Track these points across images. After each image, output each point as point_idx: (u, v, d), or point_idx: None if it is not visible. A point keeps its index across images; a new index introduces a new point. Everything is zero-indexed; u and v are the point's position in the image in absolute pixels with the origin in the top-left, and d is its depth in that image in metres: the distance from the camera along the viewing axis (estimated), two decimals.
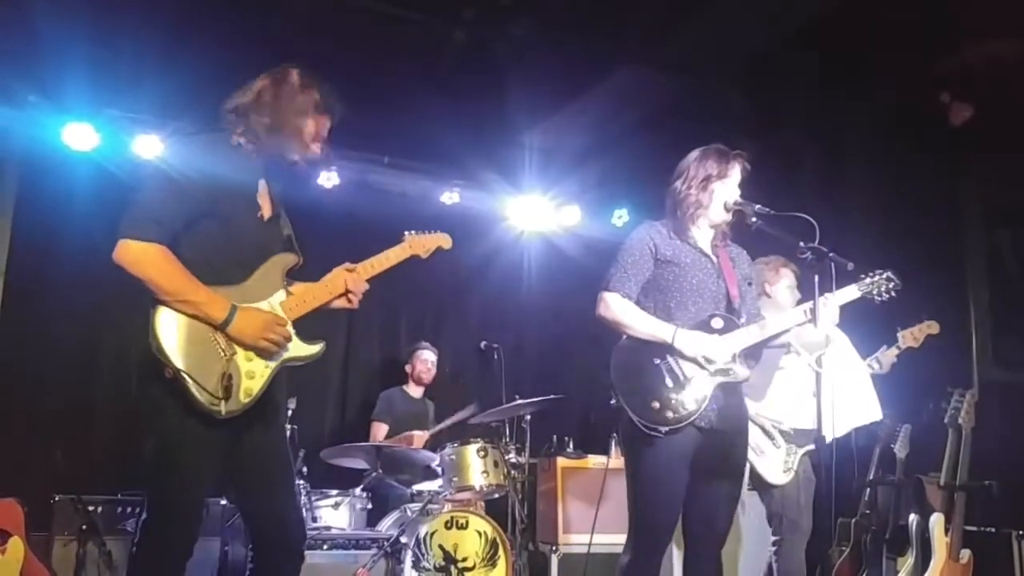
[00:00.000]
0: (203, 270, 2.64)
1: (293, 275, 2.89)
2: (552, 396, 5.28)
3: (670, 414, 3.13)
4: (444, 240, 3.28)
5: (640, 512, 3.27)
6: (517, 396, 5.52)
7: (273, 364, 2.70)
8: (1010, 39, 5.25)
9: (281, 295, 2.78)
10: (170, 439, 2.63)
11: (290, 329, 2.74)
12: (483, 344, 6.38)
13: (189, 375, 2.54)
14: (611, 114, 6.46)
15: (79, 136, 5.51)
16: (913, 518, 4.80)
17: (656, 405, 3.14)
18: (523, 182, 6.93)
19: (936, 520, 4.70)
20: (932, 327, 4.61)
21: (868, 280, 3.48)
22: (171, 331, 2.58)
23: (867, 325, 4.52)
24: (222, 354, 2.61)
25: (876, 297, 3.48)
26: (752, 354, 3.33)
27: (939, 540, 4.67)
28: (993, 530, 5.02)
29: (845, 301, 3.46)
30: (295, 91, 2.80)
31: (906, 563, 4.77)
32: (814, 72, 5.74)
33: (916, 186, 6.08)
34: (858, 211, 6.21)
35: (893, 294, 3.52)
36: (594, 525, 3.30)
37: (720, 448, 3.27)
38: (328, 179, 6.32)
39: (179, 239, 2.65)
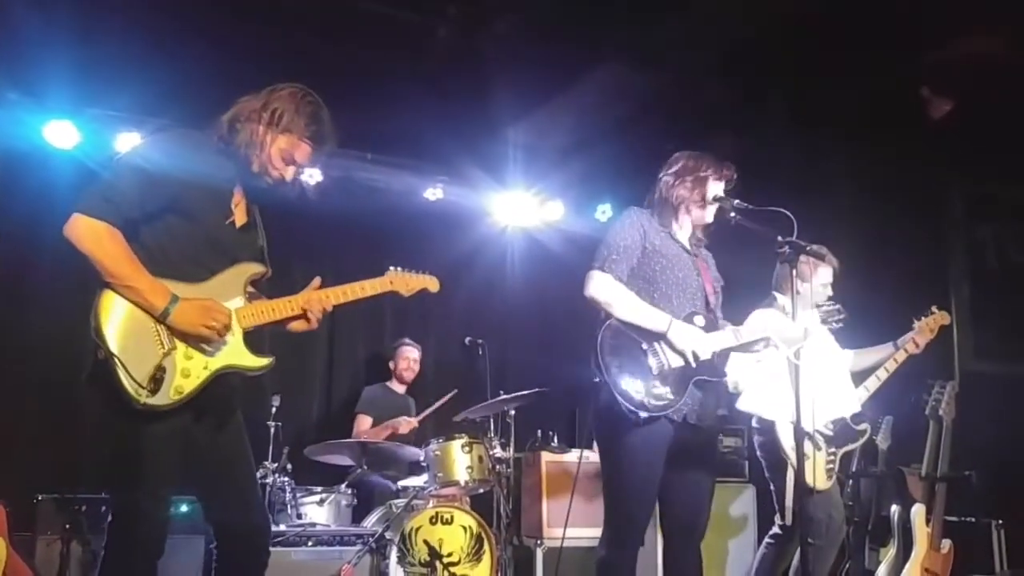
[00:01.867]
0: (159, 262, 2.65)
1: (262, 289, 2.89)
2: (535, 390, 5.29)
3: (651, 401, 3.15)
4: (431, 283, 3.20)
5: (614, 503, 3.30)
6: (501, 391, 5.53)
7: (212, 368, 2.68)
8: (989, 33, 5.29)
9: (239, 302, 2.78)
10: (126, 440, 2.62)
11: (234, 326, 2.73)
12: (468, 340, 6.39)
13: (120, 359, 2.53)
14: (594, 110, 6.46)
15: (60, 134, 5.49)
16: (895, 509, 4.85)
17: (641, 390, 3.16)
18: (507, 178, 6.94)
19: (917, 511, 4.74)
20: (944, 318, 4.63)
21: (823, 310, 3.61)
22: (113, 315, 2.58)
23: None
24: (160, 348, 2.61)
25: (825, 323, 3.60)
26: (724, 356, 3.36)
27: (920, 530, 4.72)
28: (973, 520, 5.08)
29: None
30: (274, 103, 2.78)
31: (888, 554, 4.82)
32: (794, 66, 5.76)
33: (897, 179, 6.12)
34: (839, 205, 6.24)
35: (840, 324, 3.64)
36: (567, 519, 3.31)
37: (696, 443, 3.30)
38: (311, 176, 6.28)
39: (139, 227, 2.66)
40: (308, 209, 6.19)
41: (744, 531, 5.67)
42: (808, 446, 4.03)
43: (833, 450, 4.17)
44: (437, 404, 5.93)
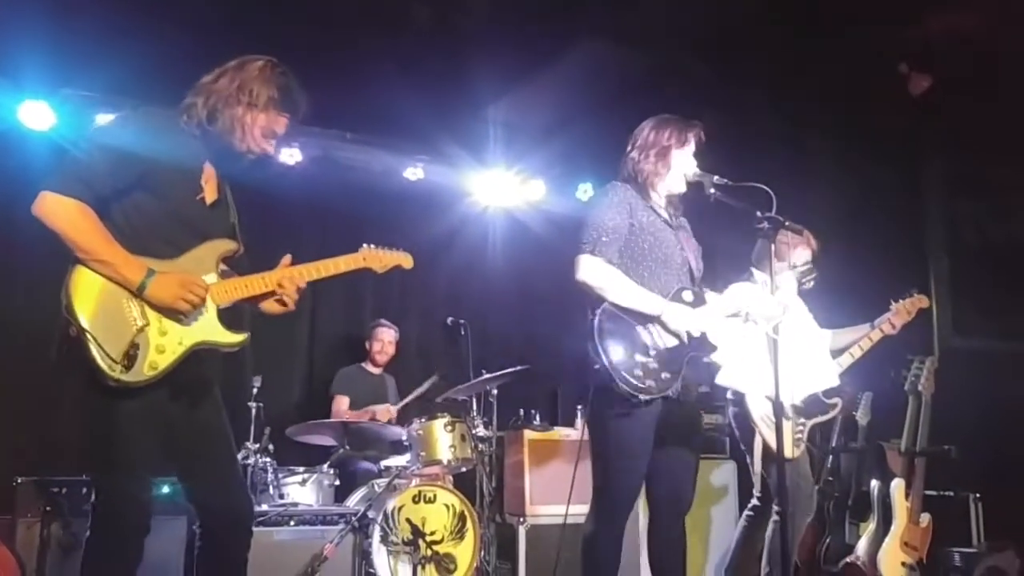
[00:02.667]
0: (131, 240, 2.64)
1: (235, 267, 2.87)
2: (517, 368, 5.29)
3: (651, 383, 3.14)
4: (404, 259, 3.19)
5: (606, 481, 3.30)
6: (483, 370, 5.53)
7: (187, 344, 2.68)
8: (968, 9, 5.30)
9: (212, 279, 2.77)
10: (103, 421, 2.61)
11: (210, 304, 2.73)
12: (449, 320, 6.39)
13: (93, 336, 2.52)
14: (574, 88, 6.44)
15: (36, 115, 5.42)
16: (875, 484, 4.89)
17: (639, 373, 3.14)
18: (487, 157, 6.91)
19: (897, 485, 4.78)
20: (923, 301, 4.65)
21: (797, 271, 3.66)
22: (85, 291, 2.57)
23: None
24: (134, 324, 2.59)
25: (801, 285, 3.58)
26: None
27: (900, 505, 4.75)
28: (952, 494, 5.13)
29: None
30: (250, 84, 2.76)
31: (868, 528, 4.86)
32: (774, 42, 5.76)
33: (878, 155, 6.14)
34: (820, 181, 6.26)
35: (812, 284, 3.71)
36: (570, 496, 3.33)
37: (683, 418, 3.31)
38: (291, 156, 6.26)
39: (109, 205, 2.64)
40: (287, 190, 6.20)
41: (725, 505, 5.71)
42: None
43: (802, 421, 4.18)
44: (417, 391, 5.92)
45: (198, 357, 2.72)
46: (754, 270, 4.32)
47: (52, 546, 4.40)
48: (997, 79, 5.54)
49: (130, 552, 2.64)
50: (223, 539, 2.88)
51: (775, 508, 4.15)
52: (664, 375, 3.17)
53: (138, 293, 2.59)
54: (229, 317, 2.81)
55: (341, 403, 6.07)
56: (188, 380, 2.74)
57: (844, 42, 5.64)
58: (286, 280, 2.87)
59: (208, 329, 2.73)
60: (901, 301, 4.58)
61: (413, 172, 6.71)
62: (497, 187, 7.03)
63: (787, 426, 4.07)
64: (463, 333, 6.26)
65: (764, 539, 4.27)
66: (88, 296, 2.56)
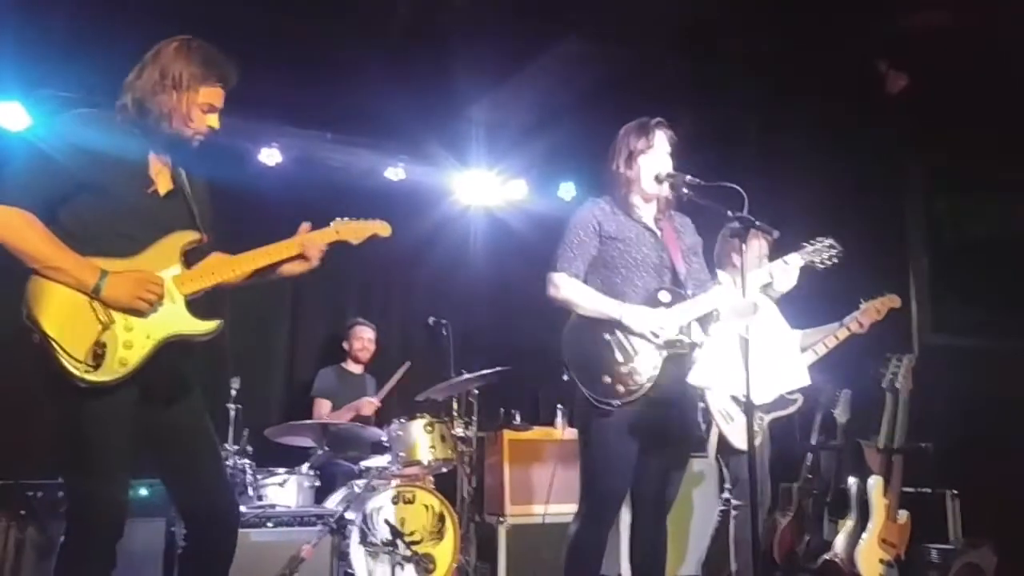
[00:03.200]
0: (85, 242, 2.62)
1: (204, 255, 2.86)
2: (498, 369, 5.29)
3: (622, 388, 3.19)
4: (381, 227, 3.19)
5: (591, 482, 3.34)
6: (464, 371, 5.53)
7: (156, 338, 2.66)
8: (945, 6, 5.31)
9: (176, 270, 2.75)
10: (71, 422, 2.60)
11: (174, 293, 2.71)
12: (431, 320, 6.37)
13: (56, 341, 2.51)
14: (556, 87, 6.45)
15: (10, 116, 5.38)
16: (852, 481, 4.90)
17: (608, 380, 3.21)
18: (469, 157, 6.91)
19: (874, 483, 4.80)
20: (894, 301, 4.65)
21: (810, 248, 3.54)
22: (44, 298, 2.55)
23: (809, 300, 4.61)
24: (97, 323, 2.58)
25: (818, 265, 3.53)
26: (704, 323, 3.37)
27: (877, 502, 4.77)
28: (929, 491, 5.15)
29: (788, 274, 3.50)
30: (169, 68, 2.74)
31: (846, 525, 4.86)
32: (753, 39, 5.77)
33: (856, 153, 6.15)
34: (798, 179, 6.27)
35: (836, 260, 3.57)
36: (549, 495, 3.36)
37: (666, 418, 3.32)
38: (270, 156, 6.24)
39: (56, 211, 2.62)
40: (267, 191, 6.18)
41: (707, 504, 5.71)
42: (736, 409, 4.08)
43: (760, 416, 4.18)
44: (393, 380, 5.91)
45: (173, 355, 2.70)
46: (718, 270, 4.30)
47: (28, 550, 4.37)
48: (976, 76, 5.55)
49: (104, 556, 2.63)
50: (207, 542, 2.87)
51: (733, 501, 4.18)
52: (636, 378, 3.21)
53: (93, 295, 2.58)
54: (203, 305, 2.80)
55: (322, 406, 6.05)
56: (163, 380, 2.72)
57: (822, 40, 5.65)
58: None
59: (176, 320, 2.71)
60: (871, 300, 4.59)
61: (394, 172, 6.69)
62: (479, 187, 7.03)
63: (745, 420, 4.07)
64: (445, 333, 6.24)
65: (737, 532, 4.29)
66: (48, 302, 2.55)
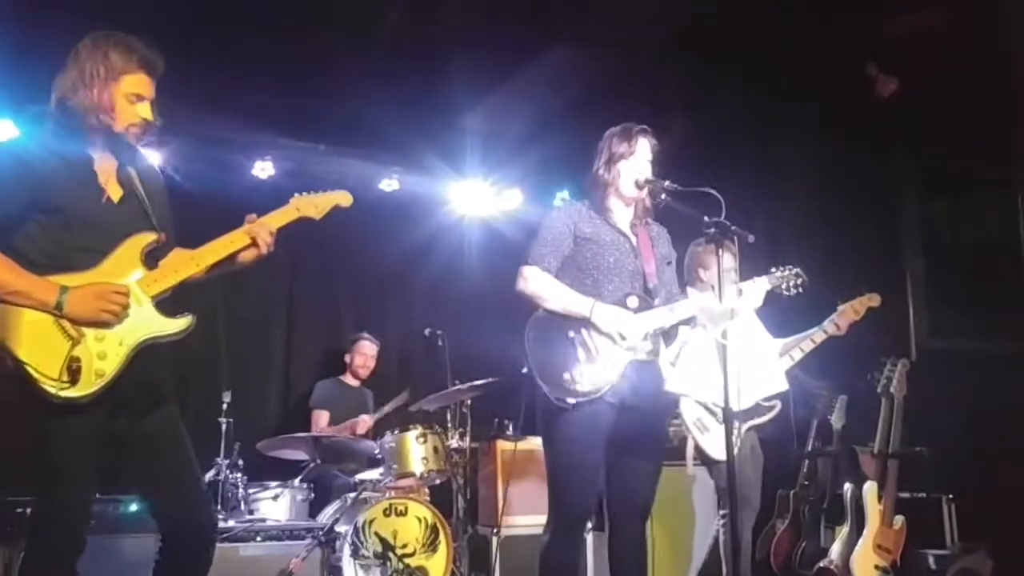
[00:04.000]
0: (46, 261, 2.60)
1: (164, 253, 2.82)
2: (490, 380, 5.27)
3: (579, 387, 3.16)
4: (342, 197, 3.11)
5: (557, 488, 3.30)
6: (457, 381, 5.51)
7: (129, 344, 2.65)
8: (935, 9, 5.29)
9: (138, 274, 2.73)
10: (35, 439, 2.59)
11: (141, 296, 2.69)
12: (427, 331, 6.35)
13: (27, 363, 2.50)
14: (550, 95, 6.44)
15: (2, 133, 5.40)
16: (847, 487, 4.86)
17: (567, 377, 3.17)
18: (464, 167, 6.90)
19: (869, 488, 4.76)
20: (873, 299, 4.61)
21: (778, 274, 3.56)
22: (10, 323, 2.53)
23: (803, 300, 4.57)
24: (67, 340, 2.56)
25: (784, 291, 3.54)
26: (669, 334, 3.36)
27: (872, 508, 4.73)
28: (924, 495, 5.11)
29: (755, 293, 3.49)
30: (86, 65, 2.69)
31: (842, 532, 4.82)
32: (746, 43, 5.75)
33: (851, 157, 6.12)
34: (793, 184, 6.25)
35: (800, 290, 3.58)
36: (501, 508, 3.32)
37: (637, 424, 3.28)
38: (263, 169, 6.26)
39: (9, 236, 2.60)
40: (259, 204, 6.13)
41: (707, 515, 5.67)
42: (709, 419, 4.04)
43: (737, 424, 4.09)
44: (390, 406, 5.90)
45: (146, 365, 2.69)
46: (687, 287, 4.22)
47: (16, 567, 4.36)
48: (968, 77, 5.52)
49: (63, 572, 2.62)
50: (182, 553, 2.84)
51: (719, 511, 4.15)
52: (597, 378, 3.17)
53: (57, 314, 2.56)
54: (174, 304, 2.79)
55: (320, 418, 6.05)
56: (136, 391, 2.70)
57: (814, 43, 5.63)
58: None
59: (147, 323, 2.70)
60: (848, 301, 4.56)
61: (388, 184, 6.71)
62: (473, 197, 7.03)
63: (721, 429, 4.03)
64: (441, 344, 6.23)
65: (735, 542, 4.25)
66: (14, 326, 2.53)
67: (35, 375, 2.50)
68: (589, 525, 4.93)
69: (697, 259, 4.36)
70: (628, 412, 3.25)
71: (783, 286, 3.52)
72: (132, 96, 2.73)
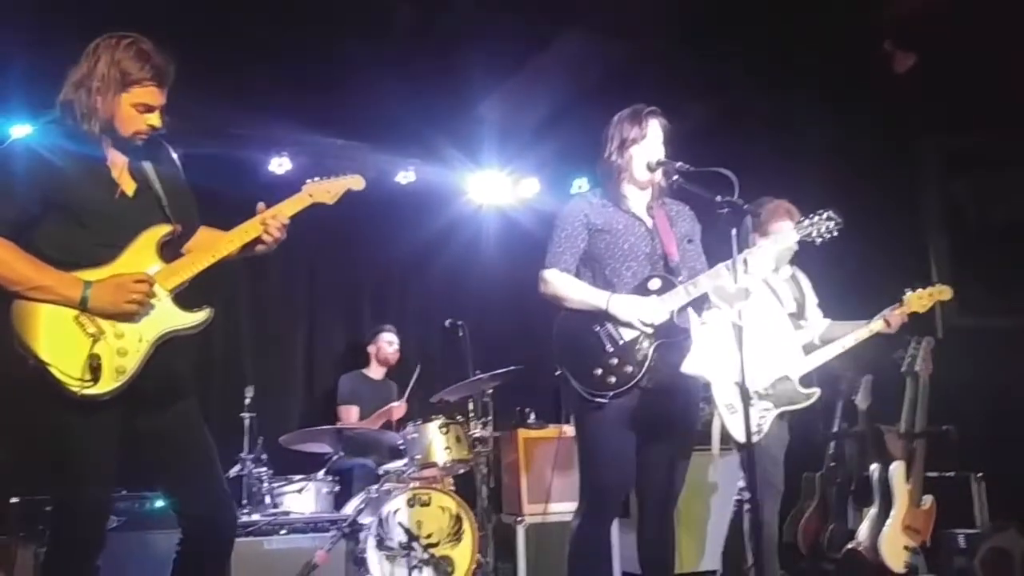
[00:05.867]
0: (61, 258, 2.61)
1: (179, 245, 2.83)
2: (510, 368, 5.27)
3: (613, 379, 3.17)
4: (354, 181, 3.08)
5: (588, 476, 3.31)
6: (478, 371, 5.51)
7: (148, 339, 2.65)
8: None
9: (155, 267, 2.73)
10: (54, 436, 2.61)
11: (159, 290, 2.69)
12: (448, 322, 6.35)
13: (49, 363, 2.50)
14: (565, 82, 6.41)
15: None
16: (874, 468, 4.81)
17: (599, 372, 3.19)
18: (480, 156, 6.88)
19: (896, 468, 4.71)
20: (943, 292, 4.43)
21: (807, 222, 3.47)
22: (30, 321, 2.54)
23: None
24: (87, 337, 2.57)
25: (816, 238, 3.46)
26: (697, 309, 3.32)
27: (899, 488, 4.69)
28: (953, 474, 5.05)
29: (783, 246, 3.44)
30: (95, 65, 2.68)
31: (870, 513, 4.77)
32: (762, 25, 5.69)
33: (870, 137, 6.05)
34: (812, 165, 6.17)
35: (835, 233, 3.47)
36: (524, 497, 3.32)
37: (664, 408, 3.27)
38: (280, 165, 6.27)
39: (29, 233, 2.61)
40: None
41: (724, 497, 5.63)
42: (738, 400, 3.92)
43: (767, 407, 3.99)
44: (412, 383, 5.89)
45: (165, 360, 2.69)
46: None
47: None
48: (989, 51, 5.44)
49: (82, 570, 2.63)
50: (202, 548, 2.84)
51: (744, 494, 4.10)
52: (627, 368, 3.17)
53: (81, 308, 2.57)
54: (190, 297, 2.79)
55: (350, 413, 6.06)
56: (156, 387, 2.70)
57: (832, 20, 5.56)
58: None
59: (166, 317, 2.70)
60: (916, 291, 4.36)
61: (405, 176, 6.71)
62: (491, 186, 7.01)
63: (751, 411, 3.96)
64: (461, 334, 6.22)
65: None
66: (34, 325, 2.53)
67: (57, 375, 2.51)
68: None
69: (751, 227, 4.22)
70: (656, 395, 3.23)
71: (814, 232, 3.43)
72: (140, 107, 2.73)
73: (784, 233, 3.53)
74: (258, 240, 2.86)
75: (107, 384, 2.56)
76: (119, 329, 2.62)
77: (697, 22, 5.73)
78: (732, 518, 4.42)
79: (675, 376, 3.25)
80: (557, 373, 3.27)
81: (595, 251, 3.37)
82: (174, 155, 2.99)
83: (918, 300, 4.38)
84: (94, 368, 2.54)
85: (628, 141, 3.39)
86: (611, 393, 3.15)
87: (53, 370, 2.51)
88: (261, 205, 2.91)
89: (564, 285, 3.34)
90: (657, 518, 3.38)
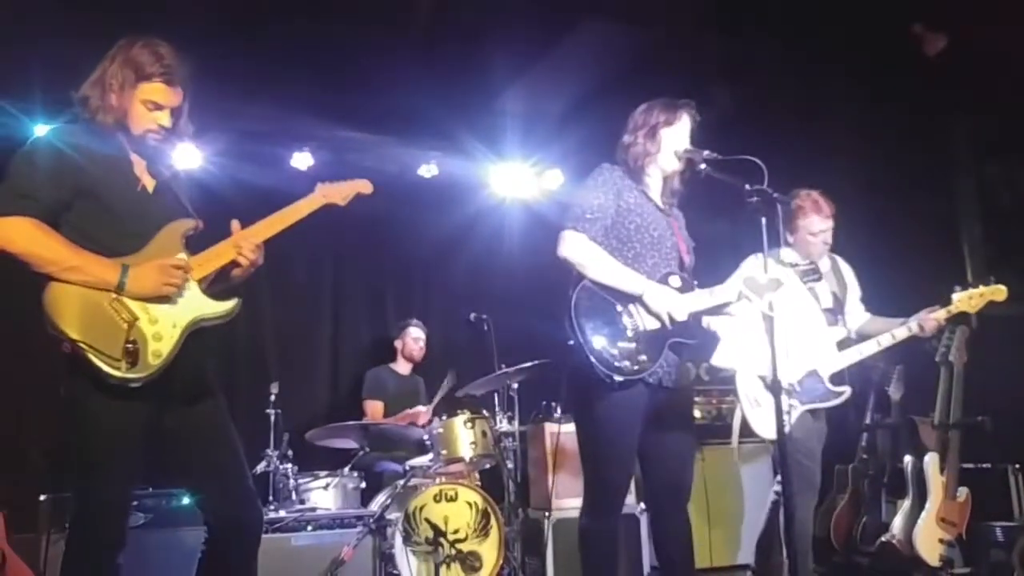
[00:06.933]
0: (90, 247, 2.61)
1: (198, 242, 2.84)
2: (536, 362, 5.21)
3: (627, 364, 3.08)
4: (363, 186, 3.21)
5: (592, 469, 3.25)
6: (503, 365, 5.46)
7: (181, 325, 2.66)
8: None
9: (183, 257, 2.75)
10: (81, 431, 2.60)
11: (190, 282, 2.73)
12: (472, 316, 6.31)
13: (88, 345, 2.49)
14: (587, 71, 6.34)
15: None
16: (908, 459, 4.73)
17: (615, 353, 3.09)
18: (503, 148, 6.83)
19: (930, 460, 4.63)
20: (998, 292, 4.16)
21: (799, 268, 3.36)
22: (65, 304, 2.54)
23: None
24: (122, 321, 2.57)
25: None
26: (698, 318, 3.27)
27: (934, 480, 4.60)
28: (989, 466, 4.95)
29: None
30: (109, 64, 2.72)
31: (904, 505, 4.69)
32: (790, 10, 5.60)
33: (901, 120, 5.94)
34: (842, 149, 6.07)
35: (816, 281, 3.34)
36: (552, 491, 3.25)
37: (672, 405, 3.24)
38: (302, 160, 6.25)
39: (57, 220, 2.62)
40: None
41: (759, 491, 5.57)
42: (764, 394, 3.83)
43: (792, 403, 3.85)
44: (440, 392, 5.85)
45: (193, 358, 2.69)
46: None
47: None
48: (1020, 31, 5.31)
49: (102, 566, 2.61)
50: (228, 547, 2.84)
51: (775, 488, 4.03)
52: (641, 357, 3.10)
53: (118, 291, 2.58)
54: (216, 289, 2.83)
55: (375, 408, 6.03)
56: (182, 387, 2.71)
57: (861, 6, 5.45)
58: (240, 240, 2.83)
59: (196, 305, 2.73)
60: (966, 291, 4.13)
61: (427, 169, 6.67)
62: (514, 179, 6.96)
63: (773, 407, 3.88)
64: (486, 328, 6.18)
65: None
66: (70, 308, 2.53)
67: (94, 357, 2.50)
68: (642, 506, 4.88)
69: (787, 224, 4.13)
70: (663, 393, 3.20)
71: (805, 279, 3.28)
72: (150, 103, 2.75)
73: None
74: (234, 264, 2.85)
75: (145, 368, 2.57)
76: (153, 315, 2.63)
77: (722, 5, 5.65)
78: (768, 514, 4.32)
79: (679, 376, 3.24)
80: (570, 343, 3.11)
81: (621, 231, 3.25)
82: (181, 176, 3.04)
83: (968, 301, 4.14)
84: (131, 352, 2.55)
85: (660, 125, 3.33)
86: (620, 378, 3.05)
87: (90, 353, 2.50)
88: (235, 224, 2.89)
89: (590, 254, 3.18)
90: (673, 514, 3.32)
